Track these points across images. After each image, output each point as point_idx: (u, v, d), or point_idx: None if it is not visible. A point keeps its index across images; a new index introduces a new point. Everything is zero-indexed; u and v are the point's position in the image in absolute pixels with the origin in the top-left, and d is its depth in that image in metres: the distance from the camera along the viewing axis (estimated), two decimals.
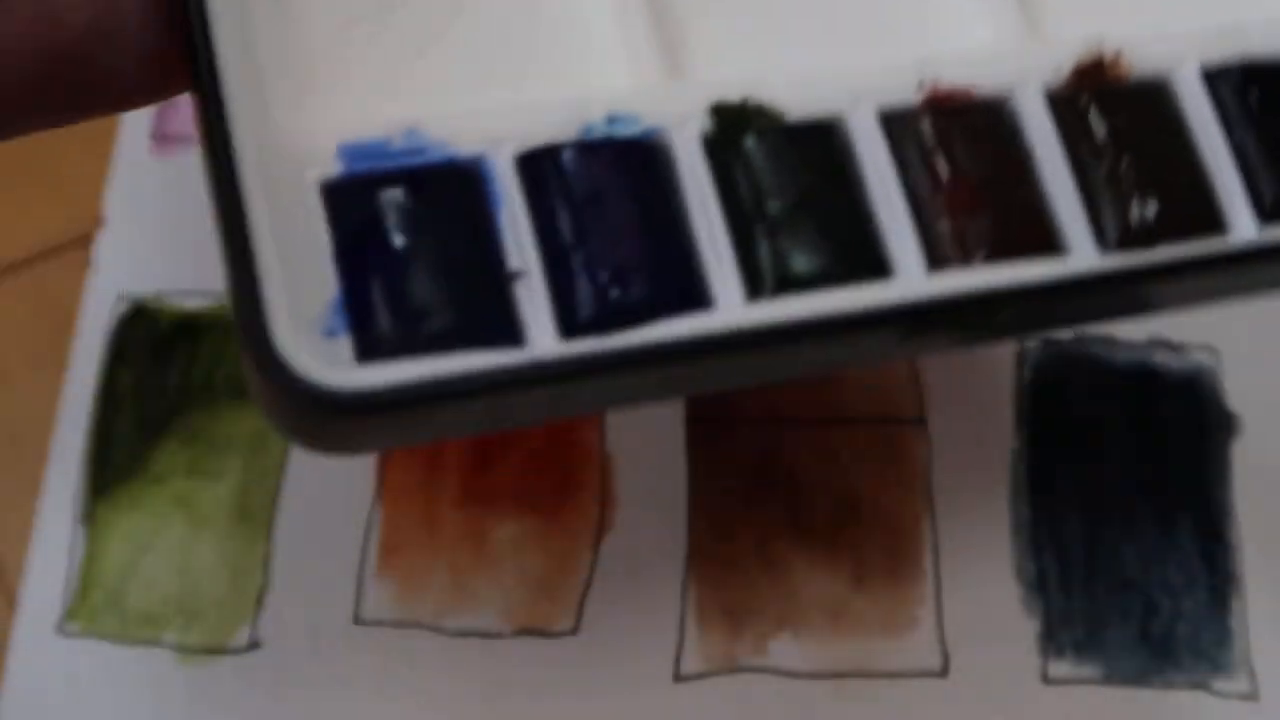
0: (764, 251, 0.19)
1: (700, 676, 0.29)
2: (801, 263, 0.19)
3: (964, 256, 0.19)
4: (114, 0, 0.17)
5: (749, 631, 0.29)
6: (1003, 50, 0.21)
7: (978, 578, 0.30)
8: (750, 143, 0.19)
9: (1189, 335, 0.33)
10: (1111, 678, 0.30)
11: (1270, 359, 0.22)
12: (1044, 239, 0.20)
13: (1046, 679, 0.30)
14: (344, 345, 0.16)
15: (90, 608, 0.29)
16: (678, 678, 0.29)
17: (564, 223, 0.18)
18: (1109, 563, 0.31)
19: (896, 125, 0.20)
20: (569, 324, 0.18)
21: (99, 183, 0.34)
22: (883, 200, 0.19)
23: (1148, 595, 0.30)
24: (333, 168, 0.17)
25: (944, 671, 0.29)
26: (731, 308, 0.18)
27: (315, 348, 0.16)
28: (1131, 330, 0.33)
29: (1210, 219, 0.20)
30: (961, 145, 0.20)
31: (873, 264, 0.19)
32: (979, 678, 0.29)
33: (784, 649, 0.29)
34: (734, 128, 0.19)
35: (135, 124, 0.35)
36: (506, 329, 0.17)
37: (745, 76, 0.20)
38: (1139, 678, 0.30)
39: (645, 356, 0.17)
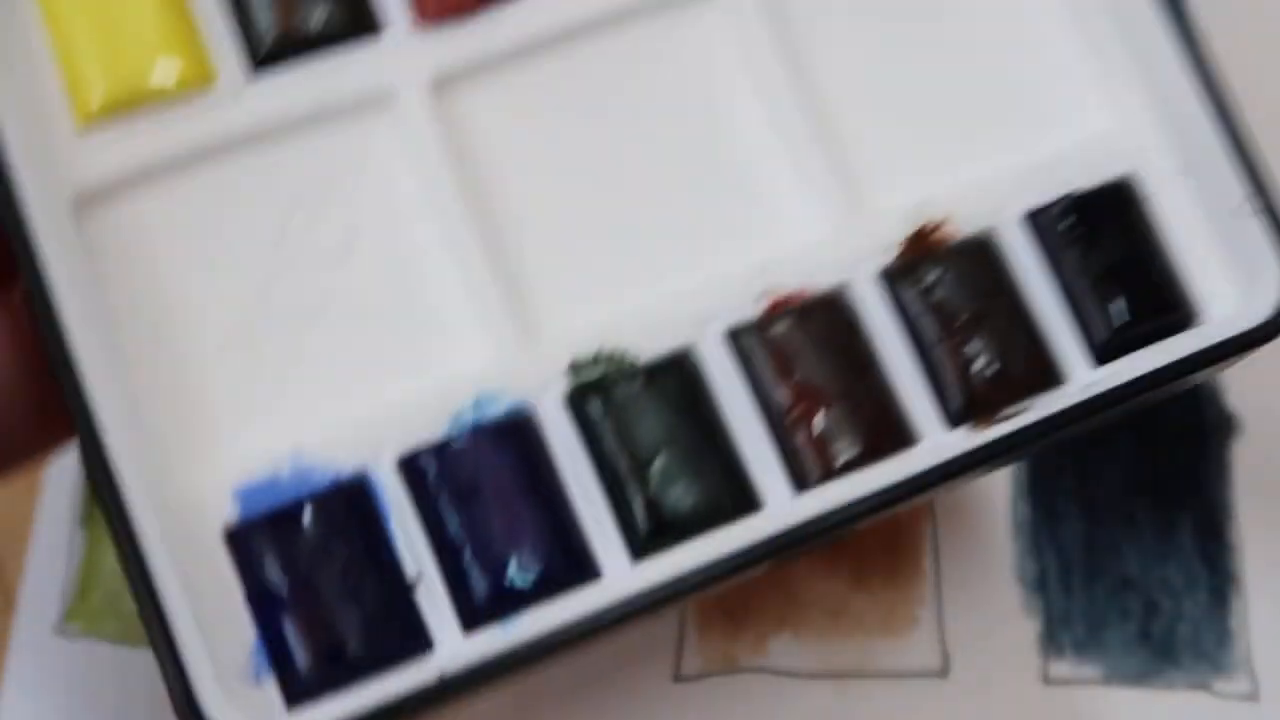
0: (639, 510, 0.27)
1: (700, 677, 0.35)
2: (676, 514, 0.26)
3: (825, 471, 0.27)
4: None
5: (749, 631, 0.36)
6: (834, 236, 0.27)
7: (978, 578, 0.39)
8: (608, 397, 0.27)
9: None
10: (1111, 678, 0.36)
11: (1270, 359, 0.28)
12: (895, 435, 0.27)
13: (1046, 679, 0.36)
14: (271, 692, 0.26)
15: (90, 608, 0.34)
16: (677, 678, 0.37)
17: (450, 519, 0.26)
18: (1109, 563, 0.36)
19: (743, 343, 0.27)
20: (469, 620, 0.26)
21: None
22: (742, 427, 0.27)
23: (1148, 595, 0.36)
24: (231, 513, 0.26)
25: (944, 671, 0.35)
26: (617, 575, 0.26)
27: (244, 702, 0.25)
28: None
29: (1048, 374, 0.27)
30: (806, 350, 0.27)
31: (743, 500, 0.27)
32: (979, 678, 0.35)
33: (784, 649, 0.35)
34: (592, 383, 0.27)
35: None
36: (415, 639, 0.25)
37: (596, 321, 0.27)
38: (1139, 678, 0.37)
39: (541, 644, 0.26)
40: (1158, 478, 0.36)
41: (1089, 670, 0.37)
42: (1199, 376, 0.27)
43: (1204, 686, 0.37)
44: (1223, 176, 0.27)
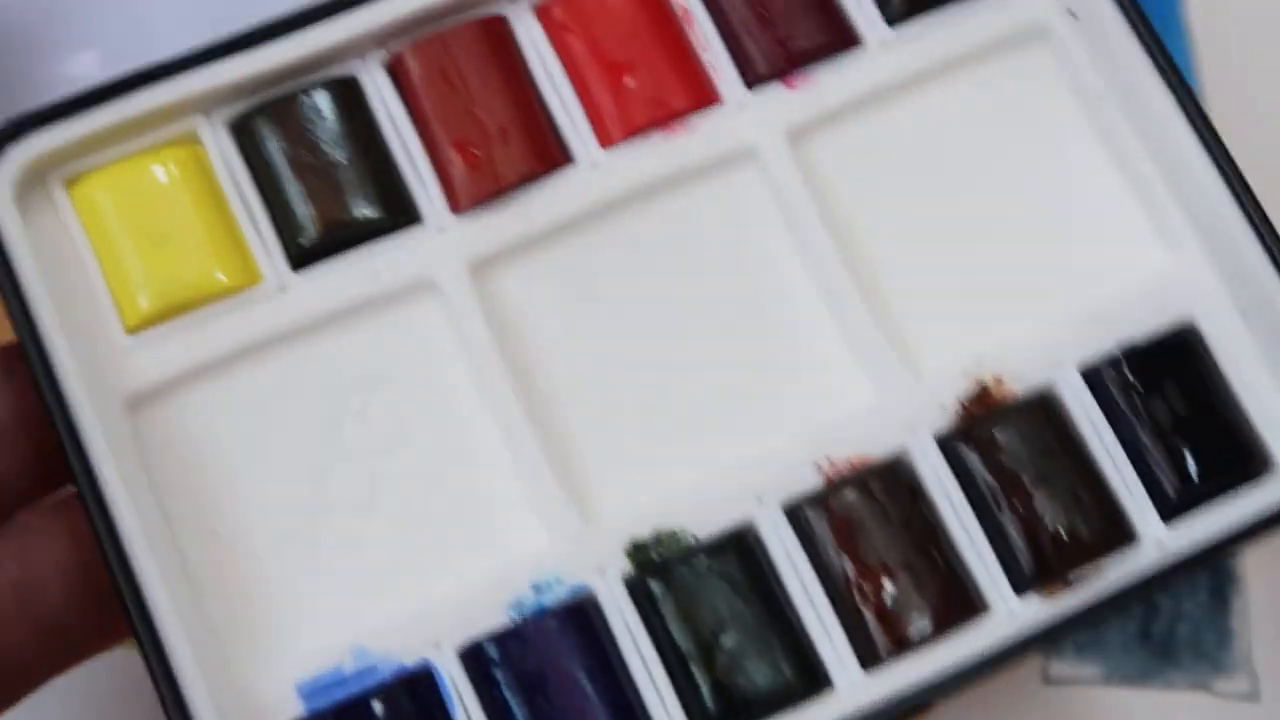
0: (706, 692, 0.33)
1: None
2: (744, 697, 0.33)
3: (894, 646, 0.35)
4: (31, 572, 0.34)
5: None
6: (888, 400, 0.35)
7: None
8: (669, 578, 0.35)
9: None
10: (1112, 678, 0.45)
11: None
12: (964, 605, 0.34)
13: (1047, 679, 0.44)
14: None
15: None
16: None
17: (515, 707, 0.33)
18: None
19: (802, 517, 0.34)
20: None
21: None
22: (806, 602, 0.35)
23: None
24: (296, 709, 0.35)
25: None
26: None
27: None
28: None
29: (1119, 533, 0.34)
30: (868, 520, 0.34)
31: (812, 680, 0.34)
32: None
33: None
34: (652, 564, 0.35)
35: None
36: None
37: (652, 499, 0.34)
38: (1139, 678, 0.45)
39: None
40: None
41: (1089, 670, 0.45)
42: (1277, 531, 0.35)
43: (1204, 686, 0.45)
44: None
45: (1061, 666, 0.45)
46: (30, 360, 0.32)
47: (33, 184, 0.34)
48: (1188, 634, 0.45)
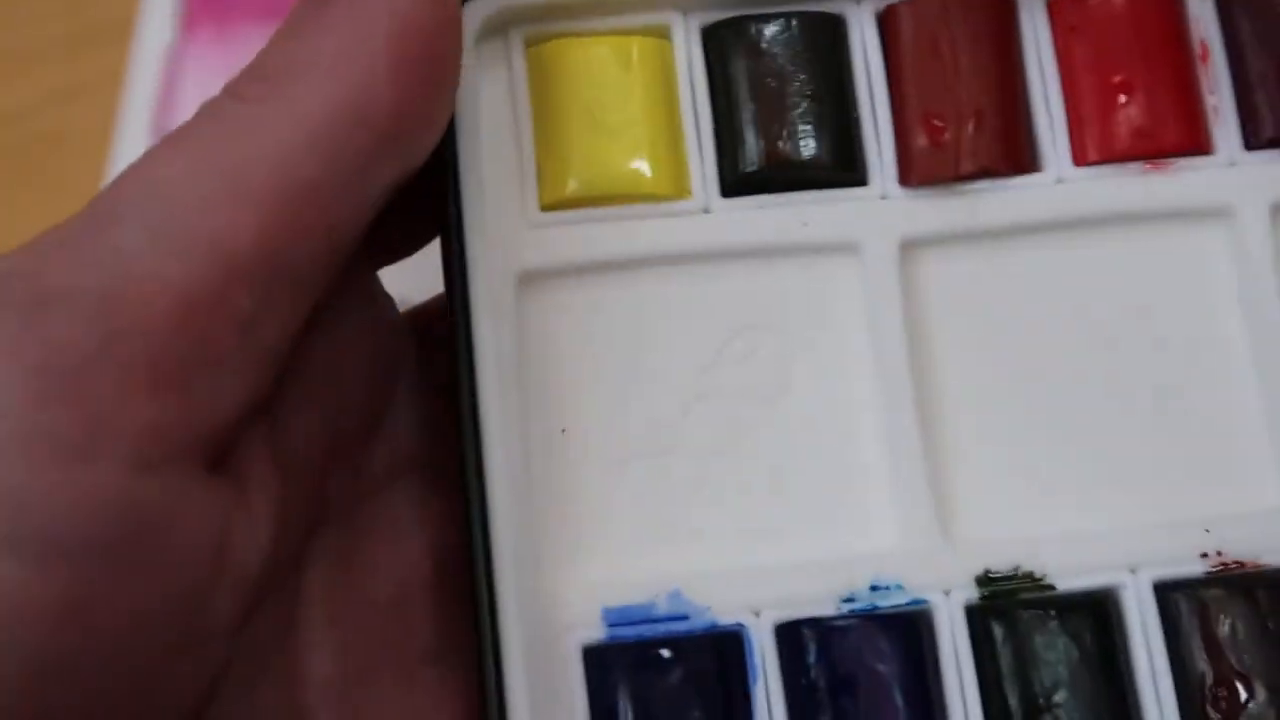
0: None
1: None
2: None
3: None
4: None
5: None
6: None
7: None
8: (1015, 619, 0.36)
9: None
10: None
11: None
12: None
13: None
14: None
15: None
16: None
17: (819, 703, 0.34)
18: None
19: (1175, 600, 0.35)
20: None
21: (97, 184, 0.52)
22: (1149, 690, 0.34)
23: None
24: (596, 632, 0.36)
25: None
26: None
27: None
28: None
29: None
30: (1245, 626, 0.35)
31: None
32: None
33: None
34: (1001, 599, 0.36)
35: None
36: None
37: (1017, 536, 0.35)
38: None
39: None
40: None
41: None
42: None
43: None
44: None
45: None
46: (440, 204, 0.34)
47: (494, 33, 0.36)
48: None
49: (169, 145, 0.31)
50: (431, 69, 0.32)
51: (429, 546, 0.35)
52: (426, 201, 0.34)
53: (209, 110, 0.31)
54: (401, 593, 0.35)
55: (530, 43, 0.36)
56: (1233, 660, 0.34)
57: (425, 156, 0.33)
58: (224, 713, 0.31)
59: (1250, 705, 0.34)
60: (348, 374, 0.34)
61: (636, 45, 0.36)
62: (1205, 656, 0.35)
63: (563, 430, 0.35)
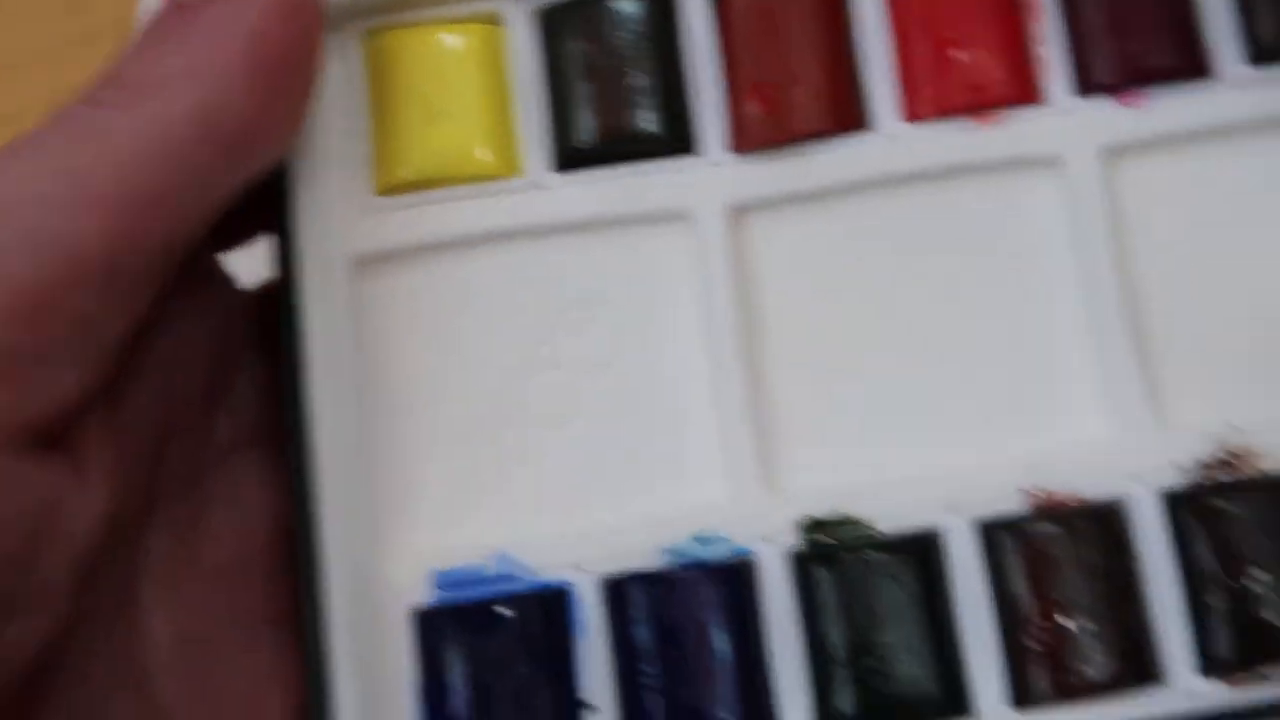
0: (843, 689, 0.35)
1: None
2: (876, 704, 0.35)
3: (1057, 693, 0.36)
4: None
5: None
6: (1123, 443, 0.36)
7: None
8: (838, 563, 0.36)
9: None
10: None
11: None
12: (1140, 671, 0.35)
13: None
14: None
15: None
16: None
17: (641, 655, 0.35)
18: None
19: (997, 539, 0.35)
20: None
21: None
22: (972, 627, 0.35)
23: None
24: (424, 595, 0.38)
25: None
26: None
27: None
28: None
29: None
30: (1065, 560, 0.35)
31: (955, 704, 0.35)
32: None
33: None
34: (823, 545, 0.37)
35: None
36: None
37: (842, 483, 0.36)
38: None
39: None
40: None
41: None
42: None
43: None
44: None
45: None
46: (276, 192, 0.37)
47: (333, 27, 0.38)
48: None
49: (21, 146, 0.33)
50: (287, 82, 0.35)
51: (270, 514, 0.37)
52: (270, 190, 0.36)
53: (63, 115, 0.33)
54: (243, 559, 0.36)
55: (368, 35, 0.38)
56: (1053, 593, 0.35)
57: (275, 163, 0.35)
58: (67, 676, 0.33)
59: (1070, 637, 0.35)
60: (186, 353, 0.36)
61: (469, 32, 0.38)
62: (1026, 591, 0.35)
63: (400, 405, 0.36)
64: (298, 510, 0.35)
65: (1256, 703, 0.34)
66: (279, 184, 0.36)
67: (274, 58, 0.34)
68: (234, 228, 0.37)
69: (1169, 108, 0.38)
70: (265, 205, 0.37)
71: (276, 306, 0.36)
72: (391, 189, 0.38)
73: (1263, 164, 0.37)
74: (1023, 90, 0.38)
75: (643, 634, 0.36)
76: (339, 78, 0.38)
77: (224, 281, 0.38)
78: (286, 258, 0.36)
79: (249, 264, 0.38)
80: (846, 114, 0.38)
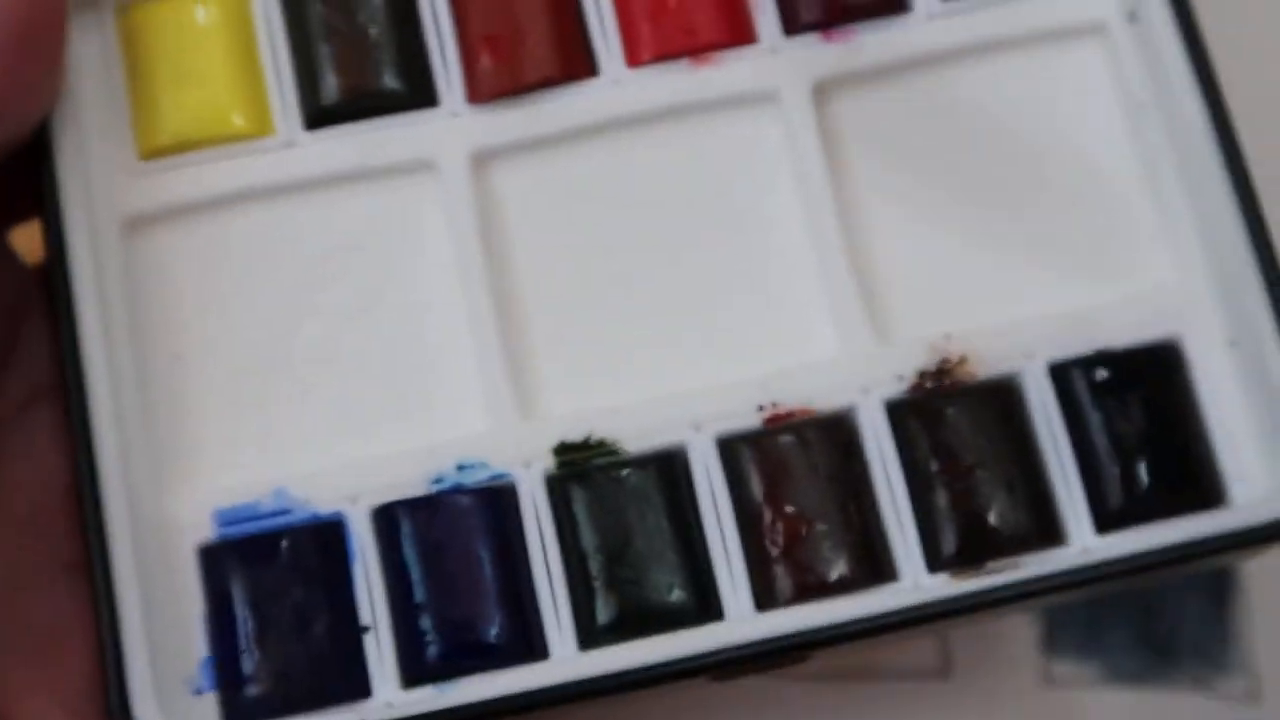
0: (600, 600, 0.38)
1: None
2: (631, 611, 0.38)
3: (794, 594, 0.39)
4: None
5: None
6: (848, 359, 0.39)
7: None
8: (589, 482, 0.40)
9: None
10: (1111, 678, 0.48)
11: None
12: (874, 570, 0.38)
13: (1047, 679, 0.48)
14: (207, 708, 0.39)
15: None
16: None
17: (412, 575, 0.38)
18: None
19: (734, 452, 0.39)
20: (410, 675, 0.38)
21: None
22: (715, 535, 0.38)
23: (1148, 595, 0.47)
24: (208, 533, 0.40)
25: (945, 673, 0.47)
26: (565, 659, 0.37)
27: (177, 709, 0.38)
28: None
29: (1047, 533, 0.38)
30: (798, 469, 0.38)
31: (704, 608, 0.38)
32: (980, 678, 0.44)
33: None
34: (576, 466, 0.40)
35: None
36: (354, 684, 0.37)
37: (593, 408, 0.39)
38: (1139, 678, 0.48)
39: (472, 713, 0.39)
40: None
41: (1089, 670, 0.49)
42: (1210, 562, 0.38)
43: (1204, 686, 0.49)
44: (1268, 355, 0.38)
45: (1062, 666, 0.49)
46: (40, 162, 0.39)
47: (86, 5, 0.40)
48: (1188, 634, 0.49)
49: None
50: (32, 52, 0.37)
51: (64, 468, 0.39)
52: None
53: None
54: (40, 509, 0.39)
55: (119, 9, 0.40)
56: (787, 499, 0.38)
57: (31, 130, 0.37)
58: None
59: (805, 538, 0.38)
60: None
61: (215, 2, 0.40)
62: (764, 498, 0.38)
63: (176, 356, 0.39)
64: (81, 460, 0.37)
65: (980, 593, 0.37)
66: (43, 152, 0.38)
67: (15, 35, 0.36)
68: (16, 202, 0.40)
69: (872, 41, 0.40)
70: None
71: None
72: (153, 153, 0.40)
73: (959, 88, 0.41)
74: (736, 31, 0.41)
75: (412, 557, 0.38)
76: (95, 52, 0.40)
77: (7, 254, 0.40)
78: (55, 222, 0.38)
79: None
80: (573, 61, 0.40)
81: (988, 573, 0.37)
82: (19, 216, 0.40)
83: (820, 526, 0.38)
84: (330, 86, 0.40)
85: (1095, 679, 0.49)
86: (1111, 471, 0.38)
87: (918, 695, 0.46)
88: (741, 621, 0.38)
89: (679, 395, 0.39)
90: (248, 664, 0.38)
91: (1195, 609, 0.49)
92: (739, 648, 0.37)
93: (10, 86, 0.36)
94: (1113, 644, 0.49)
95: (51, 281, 0.38)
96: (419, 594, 0.38)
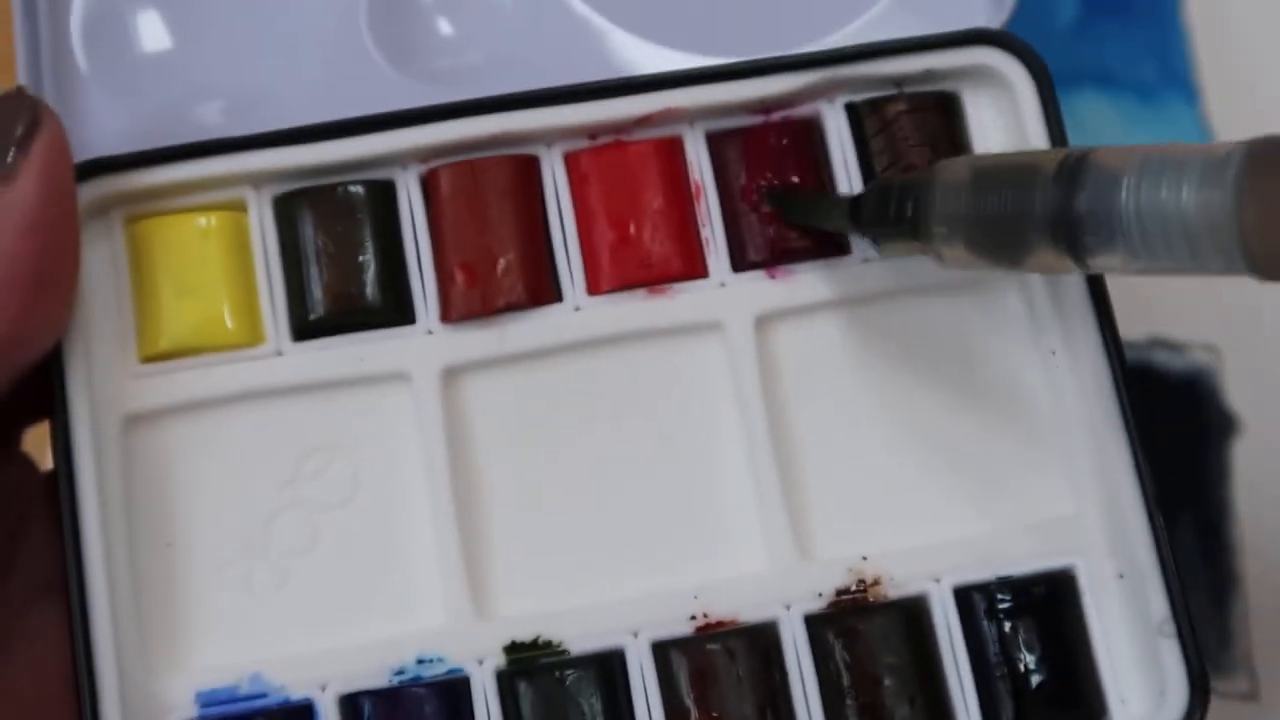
0: None
1: None
2: None
3: None
4: None
5: None
6: (774, 576, 0.43)
7: None
8: (535, 680, 0.44)
9: (1189, 335, 0.53)
10: None
11: (1270, 359, 0.41)
12: None
13: None
14: None
15: None
16: None
17: None
18: None
19: (666, 655, 0.42)
20: None
21: None
22: None
23: None
24: (190, 712, 0.44)
25: None
26: None
27: None
28: (1131, 329, 0.49)
29: None
30: (723, 673, 0.42)
31: None
32: None
33: None
34: (525, 664, 0.44)
35: None
36: None
37: (543, 611, 0.43)
38: None
39: None
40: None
41: None
42: None
43: None
44: (1152, 591, 0.42)
45: None
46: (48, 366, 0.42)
47: (98, 214, 0.44)
48: None
49: None
50: (48, 290, 0.40)
51: (66, 655, 0.42)
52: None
53: None
54: (45, 696, 0.42)
55: (128, 221, 0.44)
56: (713, 704, 0.42)
57: (46, 353, 0.41)
58: None
59: None
60: None
61: (215, 218, 0.44)
62: (692, 701, 0.42)
63: (168, 545, 0.43)
64: (77, 644, 0.41)
65: None
66: (53, 357, 0.42)
67: (29, 275, 0.39)
68: (27, 407, 0.43)
69: (811, 281, 0.44)
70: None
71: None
72: (153, 357, 0.43)
73: (887, 325, 0.45)
74: (689, 266, 0.44)
75: None
76: (104, 258, 0.44)
77: (18, 458, 0.43)
78: (62, 421, 0.42)
79: None
80: (540, 288, 0.44)
81: None
82: (29, 418, 0.44)
83: None
84: (317, 302, 0.44)
85: None
86: (1005, 689, 0.42)
87: None
88: None
89: (620, 602, 0.43)
90: None
91: (1194, 609, 0.49)
92: None
93: (27, 322, 0.39)
94: None
95: (56, 475, 0.42)
96: None
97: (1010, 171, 0.37)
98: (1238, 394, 0.53)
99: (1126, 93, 0.58)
